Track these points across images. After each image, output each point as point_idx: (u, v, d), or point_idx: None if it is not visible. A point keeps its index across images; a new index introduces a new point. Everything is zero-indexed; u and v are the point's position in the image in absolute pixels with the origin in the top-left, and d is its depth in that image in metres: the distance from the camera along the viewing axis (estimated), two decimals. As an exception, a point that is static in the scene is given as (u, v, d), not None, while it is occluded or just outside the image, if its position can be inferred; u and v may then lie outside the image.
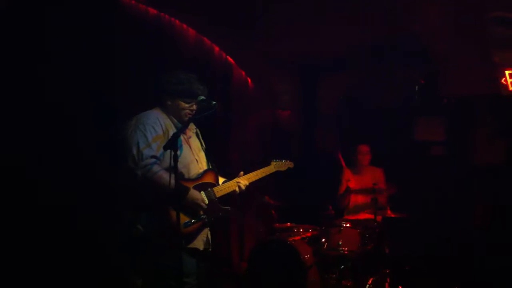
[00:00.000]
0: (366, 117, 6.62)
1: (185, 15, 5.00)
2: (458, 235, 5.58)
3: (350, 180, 5.83)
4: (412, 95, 6.41)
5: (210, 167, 3.40)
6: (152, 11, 4.74)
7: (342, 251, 4.84)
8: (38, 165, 3.38)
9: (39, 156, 3.40)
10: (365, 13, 5.10)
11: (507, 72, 5.71)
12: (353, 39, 5.68)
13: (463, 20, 5.20)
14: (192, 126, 3.46)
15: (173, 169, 2.77)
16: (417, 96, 6.41)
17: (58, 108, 3.55)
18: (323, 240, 4.99)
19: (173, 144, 2.77)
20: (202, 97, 3.18)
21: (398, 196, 5.29)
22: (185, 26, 5.16)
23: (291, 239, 4.96)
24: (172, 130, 3.15)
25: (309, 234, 5.22)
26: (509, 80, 5.74)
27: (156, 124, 3.11)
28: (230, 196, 3.39)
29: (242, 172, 3.53)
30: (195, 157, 3.30)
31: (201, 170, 3.30)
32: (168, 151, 2.86)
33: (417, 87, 6.43)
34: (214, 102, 3.15)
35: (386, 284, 4.79)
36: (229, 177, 3.49)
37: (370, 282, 4.71)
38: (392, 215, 5.16)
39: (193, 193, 3.12)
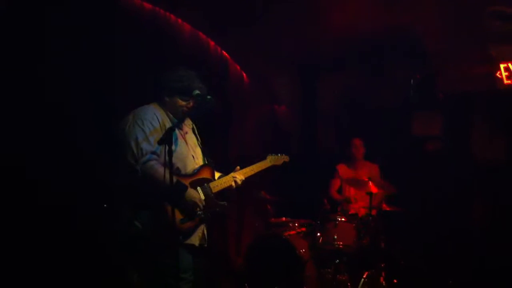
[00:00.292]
0: (365, 116, 6.63)
1: (180, 9, 4.98)
2: (456, 232, 5.59)
3: (345, 175, 5.88)
4: (408, 91, 6.41)
5: (206, 162, 3.40)
6: (147, 5, 4.73)
7: (337, 246, 4.86)
8: (38, 165, 3.37)
9: (39, 156, 3.39)
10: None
11: (502, 66, 5.72)
12: (350, 37, 5.70)
13: (460, 16, 5.20)
14: (188, 122, 3.46)
15: (168, 163, 2.76)
16: (413, 91, 6.41)
17: (58, 108, 3.54)
18: (319, 234, 5.01)
19: (167, 139, 2.76)
20: (197, 92, 3.17)
21: (396, 193, 5.31)
22: (180, 21, 5.14)
23: (286, 233, 4.98)
24: (168, 126, 3.14)
25: (304, 229, 5.24)
26: (504, 74, 5.75)
27: (154, 119, 3.11)
28: (226, 191, 3.39)
29: (238, 167, 3.54)
30: (191, 153, 3.30)
31: (197, 166, 3.29)
32: (163, 146, 2.85)
33: (412, 81, 6.42)
34: (209, 97, 3.15)
35: (381, 278, 4.80)
36: (227, 172, 3.49)
37: (365, 276, 4.72)
38: (388, 209, 5.17)
39: (191, 192, 3.11)
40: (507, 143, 5.84)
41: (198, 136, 3.51)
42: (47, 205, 3.42)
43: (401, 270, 5.05)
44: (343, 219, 5.00)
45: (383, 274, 4.83)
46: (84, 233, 3.59)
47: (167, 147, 2.76)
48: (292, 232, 5.10)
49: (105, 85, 3.98)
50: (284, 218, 5.40)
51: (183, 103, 3.23)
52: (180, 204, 3.06)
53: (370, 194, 5.03)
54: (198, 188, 3.19)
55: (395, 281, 4.93)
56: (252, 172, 3.64)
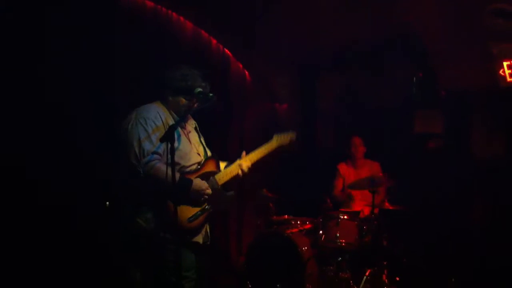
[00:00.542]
0: (365, 115, 6.62)
1: (182, 7, 4.98)
2: (456, 231, 5.59)
3: (347, 174, 5.87)
4: (409, 89, 6.40)
5: (210, 155, 3.37)
6: (149, 3, 4.73)
7: (339, 243, 4.86)
8: (38, 165, 3.37)
9: (39, 156, 3.39)
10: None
11: (505, 64, 5.70)
12: (350, 35, 5.70)
13: (460, 14, 5.20)
14: (191, 121, 3.45)
15: (171, 161, 2.74)
16: (415, 89, 6.40)
17: (58, 108, 3.54)
18: (321, 232, 5.01)
19: (169, 136, 2.75)
20: (199, 90, 3.16)
21: (397, 190, 5.30)
22: (182, 19, 5.14)
23: (288, 231, 4.98)
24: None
25: (306, 227, 5.24)
26: (507, 72, 5.73)
27: (157, 118, 3.09)
28: (233, 181, 3.32)
29: (244, 152, 3.44)
30: (195, 150, 3.29)
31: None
32: (165, 144, 2.84)
33: (414, 79, 6.41)
34: (211, 95, 3.14)
35: (384, 276, 4.80)
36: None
37: (367, 274, 4.72)
38: (390, 207, 5.17)
39: (197, 182, 3.08)
40: (508, 141, 5.83)
41: (200, 134, 3.50)
42: (47, 205, 3.42)
43: (403, 268, 5.04)
44: (345, 217, 4.99)
45: (385, 272, 4.82)
46: (85, 233, 3.58)
47: (169, 145, 2.75)
48: (294, 230, 5.10)
49: (105, 85, 3.97)
50: (286, 216, 5.41)
51: (187, 102, 3.22)
52: (188, 199, 3.04)
53: (372, 192, 5.02)
54: (204, 182, 3.18)
55: (397, 279, 4.92)
56: (259, 156, 3.50)
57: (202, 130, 3.52)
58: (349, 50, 6.11)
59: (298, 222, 5.27)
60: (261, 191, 5.44)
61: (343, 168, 5.95)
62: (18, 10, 3.39)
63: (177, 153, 2.82)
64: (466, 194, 5.87)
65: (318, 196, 5.51)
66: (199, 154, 3.30)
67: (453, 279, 4.96)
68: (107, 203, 3.29)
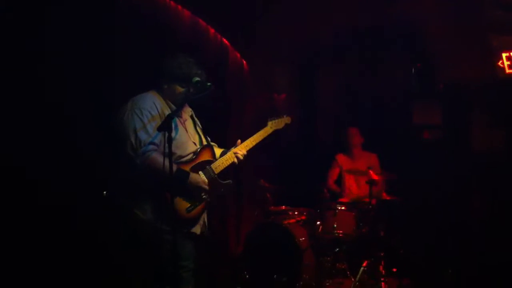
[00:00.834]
0: (363, 106, 6.61)
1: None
2: (454, 224, 5.59)
3: (344, 164, 5.88)
4: (409, 81, 6.38)
5: (205, 143, 3.36)
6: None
7: (337, 234, 4.87)
8: (38, 165, 3.35)
9: (39, 156, 3.36)
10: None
11: (504, 55, 5.68)
12: (349, 26, 5.67)
13: (461, 5, 5.17)
14: (187, 109, 3.42)
15: (168, 151, 2.72)
16: (414, 80, 6.38)
17: (57, 108, 3.51)
18: (318, 223, 5.02)
19: (167, 125, 2.73)
20: (197, 79, 3.13)
21: (395, 182, 5.30)
22: (180, 7, 5.08)
23: (286, 222, 4.98)
24: (167, 114, 3.12)
25: (304, 217, 5.24)
26: (506, 63, 5.70)
27: (152, 108, 3.07)
28: (230, 169, 3.32)
29: (239, 140, 3.44)
30: (191, 140, 3.27)
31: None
32: (162, 133, 2.82)
33: (413, 70, 6.39)
34: (209, 84, 3.12)
35: (381, 267, 4.81)
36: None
37: (364, 265, 4.74)
38: (387, 198, 5.17)
39: (194, 176, 3.09)
40: (507, 134, 5.82)
41: (198, 122, 3.48)
42: (47, 205, 3.40)
43: (400, 259, 5.05)
44: (342, 208, 5.00)
45: (382, 263, 4.84)
46: (85, 233, 3.56)
47: (166, 134, 2.72)
48: (292, 221, 5.10)
49: (103, 77, 3.91)
50: (283, 206, 5.41)
51: (182, 90, 3.19)
52: (184, 192, 3.04)
53: (370, 183, 5.01)
54: (200, 172, 3.17)
55: (394, 270, 4.94)
56: (254, 143, 3.50)
57: (201, 119, 3.49)
58: (348, 40, 6.08)
59: (296, 213, 5.28)
60: (258, 181, 5.44)
61: (340, 158, 5.95)
62: (18, 10, 3.35)
63: (173, 143, 2.80)
64: (464, 187, 5.86)
65: (316, 187, 5.51)
66: (195, 143, 3.28)
67: (450, 270, 4.98)
68: (104, 192, 3.26)
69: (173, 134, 2.85)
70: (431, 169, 5.95)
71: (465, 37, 5.66)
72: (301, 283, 4.69)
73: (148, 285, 3.19)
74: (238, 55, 6.38)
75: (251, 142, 3.49)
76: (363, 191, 5.57)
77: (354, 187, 5.84)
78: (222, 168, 3.28)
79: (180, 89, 3.19)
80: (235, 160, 3.33)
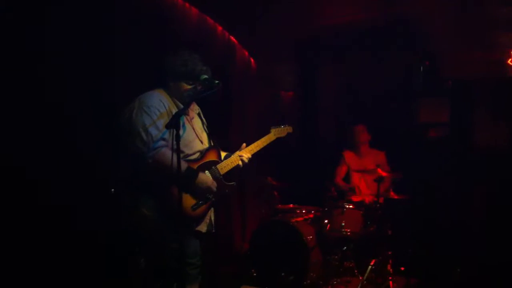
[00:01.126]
0: (366, 104, 6.57)
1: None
2: (459, 221, 5.56)
3: (351, 161, 5.84)
4: (415, 78, 6.34)
5: (212, 144, 3.38)
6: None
7: (344, 233, 4.85)
8: (38, 165, 3.35)
9: (39, 156, 3.36)
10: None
11: (512, 52, 5.64)
12: (352, 23, 5.64)
13: (464, 3, 5.14)
14: (195, 107, 3.42)
15: (176, 148, 2.73)
16: (421, 78, 6.34)
17: (57, 108, 3.51)
18: (326, 221, 4.99)
19: (175, 123, 2.73)
20: (205, 76, 3.14)
21: (401, 180, 5.27)
22: (187, 5, 5.07)
23: (293, 220, 4.97)
24: (175, 111, 3.11)
25: (311, 215, 5.23)
26: (514, 60, 5.67)
27: (160, 106, 3.07)
28: (234, 171, 3.39)
29: (244, 144, 3.53)
30: (198, 138, 3.28)
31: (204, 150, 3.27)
32: (170, 131, 2.83)
33: (422, 68, 6.35)
34: (217, 81, 3.12)
35: (388, 266, 4.78)
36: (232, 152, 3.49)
37: (372, 263, 4.71)
38: (395, 197, 5.14)
39: (202, 177, 3.11)
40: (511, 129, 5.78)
41: (204, 120, 3.48)
42: (47, 205, 3.40)
43: (408, 258, 5.02)
44: (350, 206, 4.98)
45: (390, 261, 4.81)
46: (86, 233, 3.56)
47: (174, 132, 2.72)
48: (299, 219, 5.09)
49: (103, 77, 3.89)
50: (291, 204, 5.40)
51: (188, 87, 3.19)
52: (192, 190, 3.05)
53: (378, 181, 4.99)
54: (207, 171, 3.18)
55: (402, 268, 4.91)
56: (258, 148, 3.64)
57: (206, 118, 3.50)
58: (350, 39, 6.07)
59: (303, 211, 5.27)
60: (265, 179, 5.43)
61: (348, 155, 5.91)
62: (18, 10, 3.34)
63: (181, 141, 2.80)
64: (468, 184, 5.83)
65: (323, 185, 5.49)
66: (202, 142, 3.28)
67: (458, 269, 4.94)
68: (112, 190, 3.26)
69: (180, 132, 2.85)
70: (437, 167, 5.92)
71: (471, 34, 5.63)
72: (309, 281, 4.68)
73: (149, 284, 3.19)
74: (246, 53, 6.36)
75: (255, 146, 3.61)
76: (371, 190, 5.54)
77: (362, 186, 5.81)
78: (228, 169, 3.33)
79: (186, 87, 3.19)
80: (240, 162, 3.41)
